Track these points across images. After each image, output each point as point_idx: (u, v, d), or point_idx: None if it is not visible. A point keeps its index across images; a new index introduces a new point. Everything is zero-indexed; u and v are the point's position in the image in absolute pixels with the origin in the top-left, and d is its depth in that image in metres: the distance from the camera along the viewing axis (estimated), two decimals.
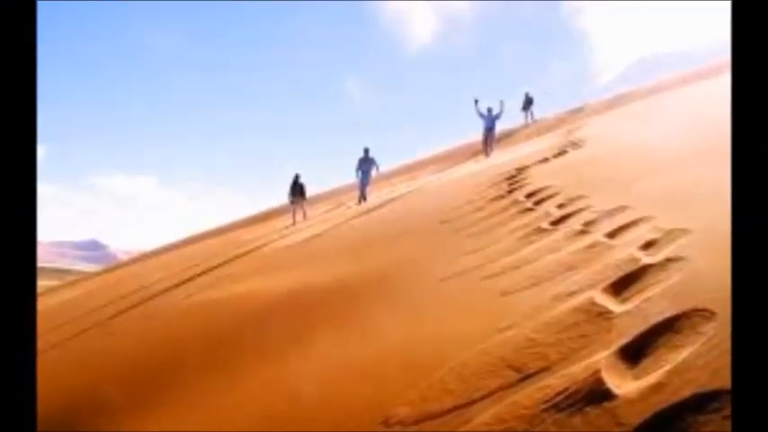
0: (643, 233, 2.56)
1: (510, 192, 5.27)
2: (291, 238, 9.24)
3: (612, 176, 4.13)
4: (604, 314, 1.87)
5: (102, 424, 3.08)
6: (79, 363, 4.81)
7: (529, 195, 4.69)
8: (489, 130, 13.45)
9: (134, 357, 4.26)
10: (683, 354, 1.44)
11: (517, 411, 1.54)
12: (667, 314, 1.67)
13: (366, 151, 12.47)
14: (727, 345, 1.38)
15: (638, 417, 1.29)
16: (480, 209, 4.97)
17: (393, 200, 9.85)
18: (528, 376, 1.70)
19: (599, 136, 7.65)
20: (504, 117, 13.60)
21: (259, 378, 2.73)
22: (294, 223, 12.87)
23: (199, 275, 7.97)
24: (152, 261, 18.77)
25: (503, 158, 9.76)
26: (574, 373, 1.58)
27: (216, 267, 8.35)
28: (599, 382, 1.48)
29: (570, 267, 2.51)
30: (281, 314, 3.85)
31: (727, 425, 1.15)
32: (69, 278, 40.61)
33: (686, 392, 1.29)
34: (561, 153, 6.99)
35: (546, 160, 6.77)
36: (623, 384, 1.45)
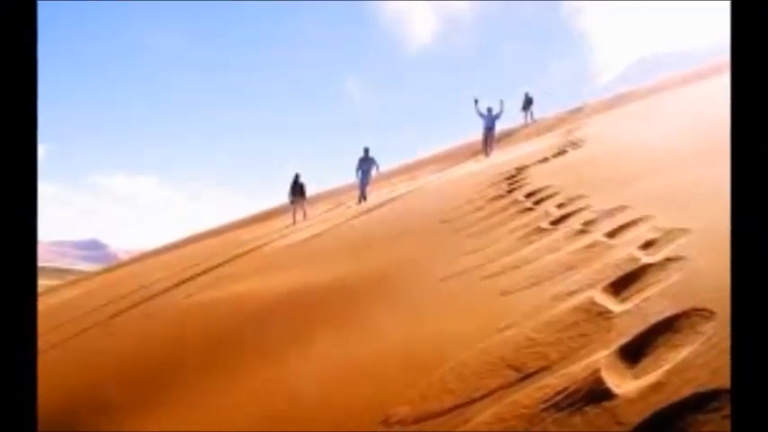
0: (643, 233, 2.56)
1: (510, 191, 5.27)
2: (291, 238, 9.24)
3: (612, 176, 4.13)
4: (604, 314, 1.87)
5: (102, 424, 3.08)
6: (79, 362, 4.82)
7: (529, 195, 4.69)
8: (489, 129, 13.45)
9: (134, 357, 4.26)
10: (683, 353, 1.45)
11: (517, 411, 1.54)
12: (667, 313, 1.67)
13: (366, 151, 12.46)
14: (727, 344, 1.38)
15: (637, 416, 1.29)
16: (480, 208, 4.98)
17: (393, 199, 9.85)
18: (528, 376, 1.70)
19: (599, 136, 7.66)
20: (503, 117, 13.62)
21: (259, 378, 2.74)
22: (294, 223, 12.88)
23: (199, 275, 7.97)
24: (152, 261, 18.78)
25: (503, 158, 9.76)
26: (573, 372, 1.58)
27: (216, 267, 8.35)
28: (599, 381, 1.48)
29: (570, 267, 2.51)
30: (281, 314, 3.85)
31: (727, 424, 1.15)
32: (70, 278, 40.61)
33: (686, 392, 1.29)
34: (561, 153, 7.00)
35: (546, 160, 6.77)
36: (623, 384, 1.45)
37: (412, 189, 11.16)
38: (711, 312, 1.56)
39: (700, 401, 1.24)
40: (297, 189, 13.18)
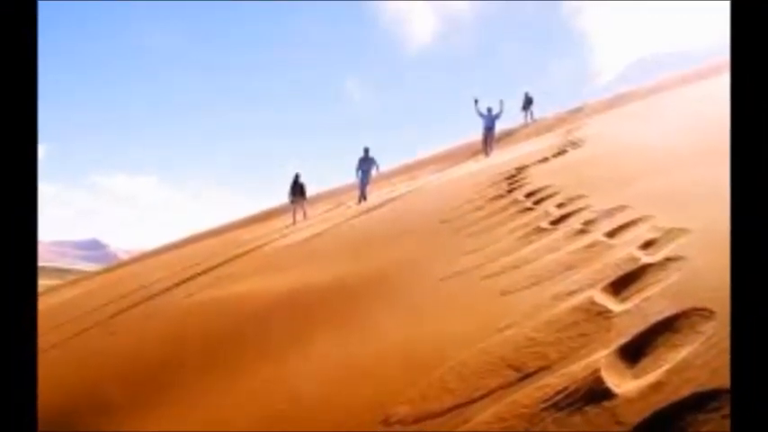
0: (642, 233, 2.56)
1: (510, 191, 5.27)
2: (291, 238, 9.24)
3: (612, 176, 4.13)
4: (604, 313, 1.87)
5: (102, 424, 3.08)
6: (79, 362, 4.82)
7: (528, 195, 4.69)
8: (489, 129, 13.45)
9: (134, 357, 4.26)
10: (683, 353, 1.45)
11: (517, 410, 1.54)
12: (667, 313, 1.67)
13: (366, 151, 12.47)
14: (727, 344, 1.38)
15: (637, 416, 1.30)
16: (480, 208, 4.98)
17: (393, 199, 9.85)
18: (528, 375, 1.70)
19: (599, 136, 7.66)
20: (503, 117, 13.63)
21: (259, 378, 2.74)
22: (294, 223, 12.88)
23: (199, 275, 7.97)
24: (152, 260, 18.78)
25: (502, 158, 9.76)
26: (573, 372, 1.58)
27: (216, 267, 8.35)
28: (598, 381, 1.48)
29: (570, 267, 2.51)
30: (281, 314, 3.86)
31: (727, 424, 1.15)
32: (70, 277, 40.62)
33: (685, 391, 1.29)
34: (561, 153, 7.00)
35: (546, 160, 6.77)
36: (623, 383, 1.45)
37: (412, 189, 11.16)
38: (711, 312, 1.56)
39: (699, 401, 1.24)
40: (297, 189, 13.19)
